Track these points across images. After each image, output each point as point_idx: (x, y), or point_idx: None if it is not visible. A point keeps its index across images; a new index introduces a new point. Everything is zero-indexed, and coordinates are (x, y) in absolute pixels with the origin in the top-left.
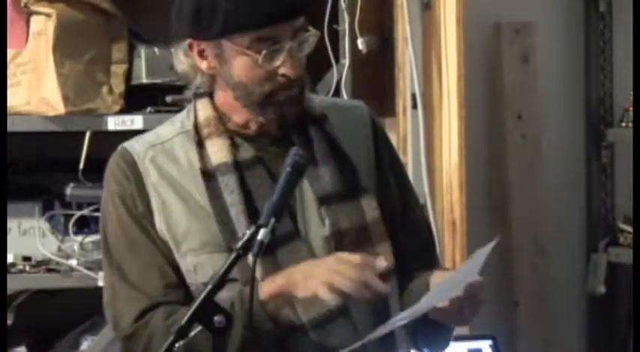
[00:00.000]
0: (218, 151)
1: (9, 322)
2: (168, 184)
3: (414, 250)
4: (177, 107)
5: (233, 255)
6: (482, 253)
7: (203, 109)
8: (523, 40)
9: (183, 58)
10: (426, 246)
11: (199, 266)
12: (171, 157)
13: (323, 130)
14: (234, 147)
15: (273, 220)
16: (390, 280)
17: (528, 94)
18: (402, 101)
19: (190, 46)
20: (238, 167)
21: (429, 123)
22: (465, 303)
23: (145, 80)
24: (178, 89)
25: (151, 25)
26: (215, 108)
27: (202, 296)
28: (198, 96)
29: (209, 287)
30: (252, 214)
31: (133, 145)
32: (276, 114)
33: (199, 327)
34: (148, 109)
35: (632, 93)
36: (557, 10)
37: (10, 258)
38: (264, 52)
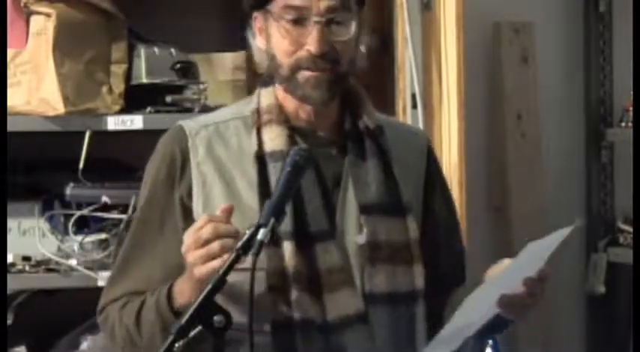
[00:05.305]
0: (275, 138)
1: (9, 322)
2: (214, 165)
3: (450, 280)
4: (177, 107)
5: (233, 255)
6: (548, 244)
7: (267, 96)
8: (523, 40)
9: (253, 41)
10: (461, 279)
11: None
12: (222, 139)
13: (377, 142)
14: (290, 139)
15: (273, 220)
16: (418, 303)
17: (528, 94)
18: (402, 101)
19: (255, 21)
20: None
21: (429, 123)
22: (534, 288)
23: (144, 80)
24: (178, 89)
25: (151, 25)
26: (276, 97)
27: (202, 296)
28: (263, 84)
29: (209, 287)
30: (297, 206)
31: (187, 122)
32: (298, 95)
33: (199, 327)
34: (148, 109)
35: (632, 93)
36: (557, 10)
37: (9, 258)
38: (289, 17)
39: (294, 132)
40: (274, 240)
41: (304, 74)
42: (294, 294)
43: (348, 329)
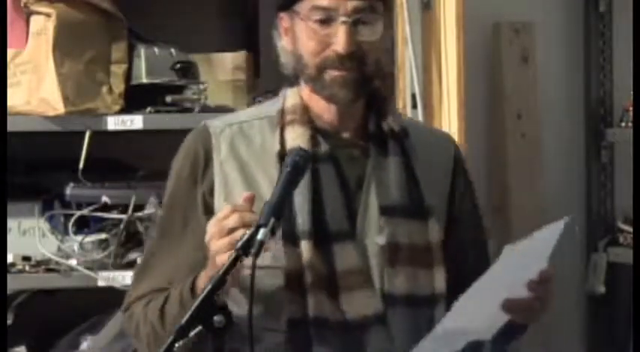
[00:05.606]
0: (297, 138)
1: (9, 322)
2: (236, 164)
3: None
4: (177, 107)
5: (232, 255)
6: (545, 240)
7: (292, 97)
8: (523, 40)
9: (279, 42)
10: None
11: None
12: (245, 138)
13: (401, 144)
14: (313, 139)
15: (272, 220)
16: (438, 306)
17: (528, 94)
18: (402, 101)
19: (281, 21)
20: (313, 158)
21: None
22: (538, 291)
23: (144, 80)
24: (178, 89)
25: (151, 25)
26: (301, 97)
27: (202, 296)
28: (289, 85)
29: (209, 287)
30: (316, 207)
31: (212, 121)
32: (325, 95)
33: (199, 327)
34: (148, 109)
35: (632, 93)
36: (557, 10)
37: (9, 258)
38: (316, 17)
39: (317, 132)
40: (293, 239)
41: (331, 74)
42: (310, 293)
43: (366, 330)
